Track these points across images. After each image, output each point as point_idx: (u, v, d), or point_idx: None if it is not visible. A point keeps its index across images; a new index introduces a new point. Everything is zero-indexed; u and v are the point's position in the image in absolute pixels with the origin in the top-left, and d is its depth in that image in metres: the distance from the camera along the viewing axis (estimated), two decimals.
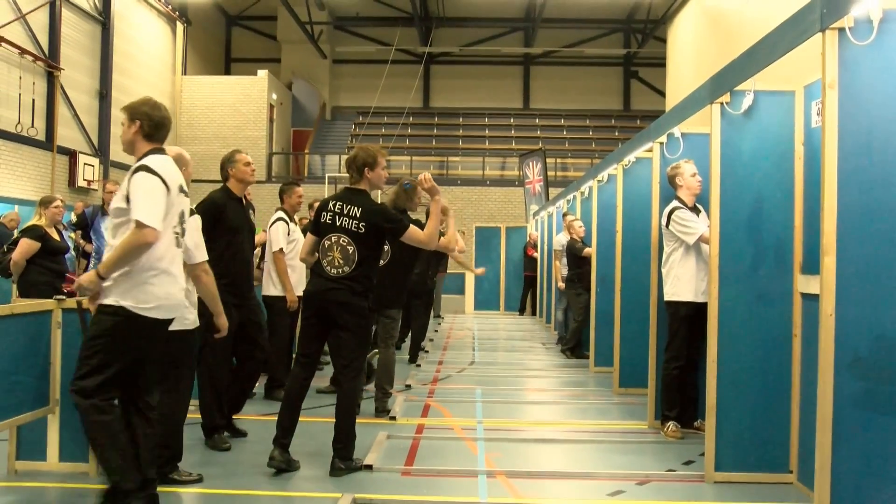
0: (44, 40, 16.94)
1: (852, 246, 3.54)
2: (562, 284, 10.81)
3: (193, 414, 5.98)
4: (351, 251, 4.75)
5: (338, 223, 4.79)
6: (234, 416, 5.66)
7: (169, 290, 3.76)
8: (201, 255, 4.43)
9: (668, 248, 5.80)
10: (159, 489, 3.92)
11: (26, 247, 7.33)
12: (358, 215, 4.77)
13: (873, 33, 3.52)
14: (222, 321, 4.70)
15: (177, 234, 3.85)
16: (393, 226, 4.85)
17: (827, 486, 3.54)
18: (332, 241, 4.79)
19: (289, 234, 6.97)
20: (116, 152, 19.04)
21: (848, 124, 3.55)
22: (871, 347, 3.53)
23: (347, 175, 5.01)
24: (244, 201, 5.72)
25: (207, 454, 5.17)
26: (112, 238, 3.75)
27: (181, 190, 3.89)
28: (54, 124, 17.00)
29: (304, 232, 6.07)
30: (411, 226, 4.92)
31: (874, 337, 3.52)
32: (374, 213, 4.81)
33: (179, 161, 4.40)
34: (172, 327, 3.97)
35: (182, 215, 3.90)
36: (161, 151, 3.86)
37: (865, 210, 3.54)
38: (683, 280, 5.67)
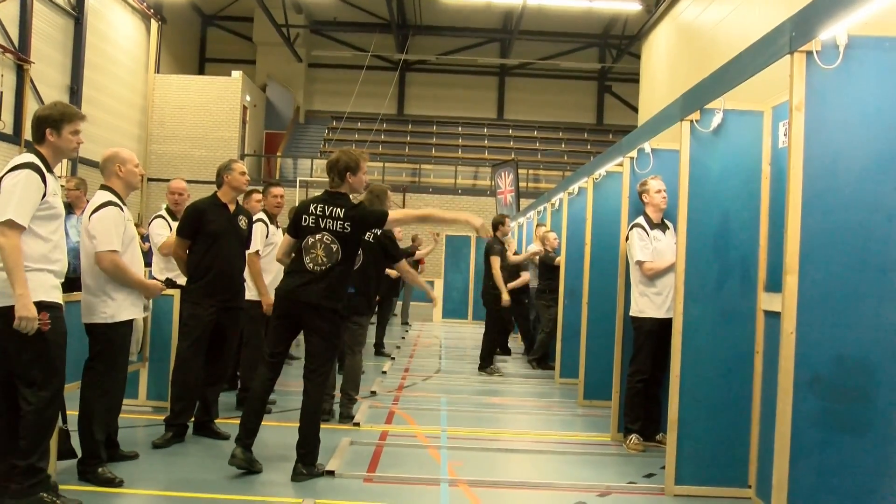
0: (14, 33, 16.69)
1: (815, 266, 3.60)
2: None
3: (152, 415, 5.93)
4: (335, 249, 4.80)
5: (322, 225, 4.84)
6: (214, 420, 5.67)
7: None
8: (101, 244, 4.50)
9: (632, 263, 5.85)
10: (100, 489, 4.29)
11: None
12: (342, 215, 4.83)
13: (839, 58, 3.59)
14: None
15: None
16: (376, 216, 4.97)
17: (784, 502, 3.59)
18: (317, 238, 4.82)
19: (267, 235, 6.79)
20: (85, 149, 18.75)
21: (813, 147, 3.61)
22: (830, 366, 3.58)
23: (324, 178, 5.07)
24: (236, 208, 5.67)
25: (169, 456, 5.12)
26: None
27: None
28: (23, 118, 16.73)
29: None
30: (390, 211, 5.06)
31: (833, 356, 3.58)
32: (357, 212, 4.90)
33: (113, 159, 4.81)
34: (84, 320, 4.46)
35: None
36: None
37: (828, 231, 3.60)
38: (648, 296, 5.73)
